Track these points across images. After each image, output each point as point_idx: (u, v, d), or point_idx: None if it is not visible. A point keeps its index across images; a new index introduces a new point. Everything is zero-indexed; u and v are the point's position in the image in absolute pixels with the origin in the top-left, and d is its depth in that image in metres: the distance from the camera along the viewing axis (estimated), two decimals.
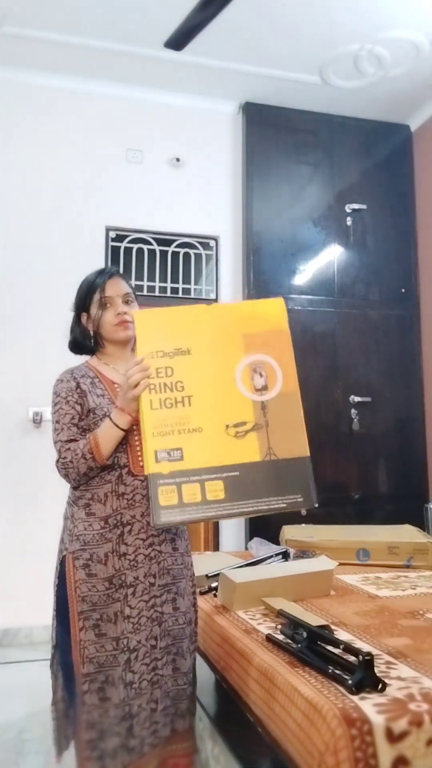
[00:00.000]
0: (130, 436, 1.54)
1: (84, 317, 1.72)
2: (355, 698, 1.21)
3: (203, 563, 2.23)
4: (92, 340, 1.72)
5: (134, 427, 1.51)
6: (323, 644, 1.43)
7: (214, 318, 1.46)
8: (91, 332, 1.71)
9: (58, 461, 1.55)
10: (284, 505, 1.35)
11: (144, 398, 1.38)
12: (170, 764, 1.52)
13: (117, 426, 1.48)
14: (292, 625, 1.54)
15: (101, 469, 1.54)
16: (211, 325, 1.44)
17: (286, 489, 1.35)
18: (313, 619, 1.66)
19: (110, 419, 1.49)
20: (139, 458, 1.53)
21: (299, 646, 1.45)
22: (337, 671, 1.31)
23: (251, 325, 1.45)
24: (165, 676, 1.50)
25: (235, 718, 1.57)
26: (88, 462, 1.50)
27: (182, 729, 1.54)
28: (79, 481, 1.57)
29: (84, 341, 1.74)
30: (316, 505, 1.39)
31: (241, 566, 2.18)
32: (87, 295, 1.69)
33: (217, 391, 1.38)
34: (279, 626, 1.63)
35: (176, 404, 1.36)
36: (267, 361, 1.42)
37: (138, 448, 1.53)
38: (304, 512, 3.65)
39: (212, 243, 4.02)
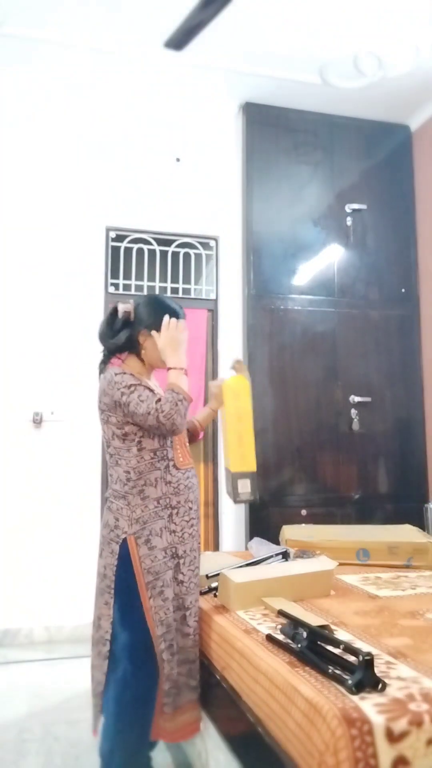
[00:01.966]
0: (173, 437, 1.87)
1: (145, 333, 1.90)
2: (355, 698, 1.21)
3: (203, 563, 2.23)
4: (132, 350, 1.95)
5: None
6: (323, 644, 1.43)
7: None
8: (141, 346, 1.92)
9: (159, 419, 1.72)
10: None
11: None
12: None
13: (182, 368, 1.81)
14: (292, 625, 1.54)
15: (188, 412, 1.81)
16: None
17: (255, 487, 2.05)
18: (313, 619, 1.66)
19: (173, 370, 1.80)
20: (179, 455, 1.90)
21: (299, 646, 1.45)
22: (337, 671, 1.31)
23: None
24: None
25: (235, 718, 1.57)
26: (184, 403, 1.75)
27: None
28: (183, 427, 1.79)
29: (126, 347, 1.94)
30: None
31: (241, 566, 2.18)
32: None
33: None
34: (279, 626, 1.63)
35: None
36: None
37: (178, 448, 1.90)
38: (304, 512, 3.67)
39: (212, 243, 4.02)
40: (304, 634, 1.46)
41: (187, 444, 1.99)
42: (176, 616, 1.80)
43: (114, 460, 1.88)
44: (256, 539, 2.75)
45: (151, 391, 1.82)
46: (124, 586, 1.77)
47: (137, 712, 1.74)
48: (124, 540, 1.78)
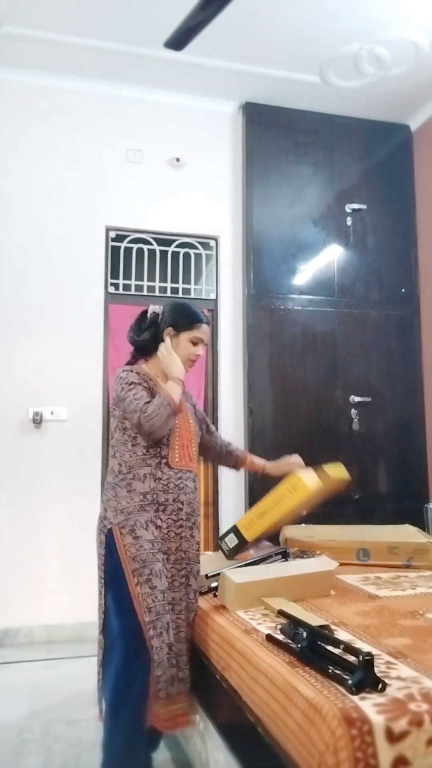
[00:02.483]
0: (172, 438, 1.93)
1: (170, 332, 2.03)
2: (355, 698, 1.21)
3: (203, 563, 2.23)
4: (157, 349, 2.04)
5: (176, 431, 1.95)
6: (323, 644, 1.43)
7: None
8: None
9: (140, 418, 1.84)
10: None
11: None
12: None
13: (179, 380, 1.92)
14: (292, 625, 1.54)
15: (173, 418, 1.90)
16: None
17: None
18: (313, 619, 1.66)
19: (173, 380, 1.93)
20: (176, 455, 1.94)
21: (299, 646, 1.45)
22: (337, 671, 1.31)
23: None
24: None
25: (235, 718, 1.57)
26: (167, 409, 1.84)
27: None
28: (162, 431, 1.87)
29: (150, 346, 2.05)
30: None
31: (240, 566, 2.17)
32: (188, 323, 2.03)
33: None
34: (279, 626, 1.62)
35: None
36: None
37: (176, 448, 1.95)
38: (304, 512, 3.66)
39: (212, 243, 4.02)
40: (304, 634, 1.46)
41: (193, 447, 2.03)
42: (167, 608, 1.82)
43: (113, 451, 1.97)
44: None
45: (149, 391, 1.92)
46: (113, 576, 1.83)
47: (131, 697, 1.76)
48: (110, 530, 1.85)
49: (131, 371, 1.96)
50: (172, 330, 2.03)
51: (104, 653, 1.88)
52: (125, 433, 1.92)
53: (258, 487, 3.70)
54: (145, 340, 2.06)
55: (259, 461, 2.37)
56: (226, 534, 2.26)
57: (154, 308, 2.09)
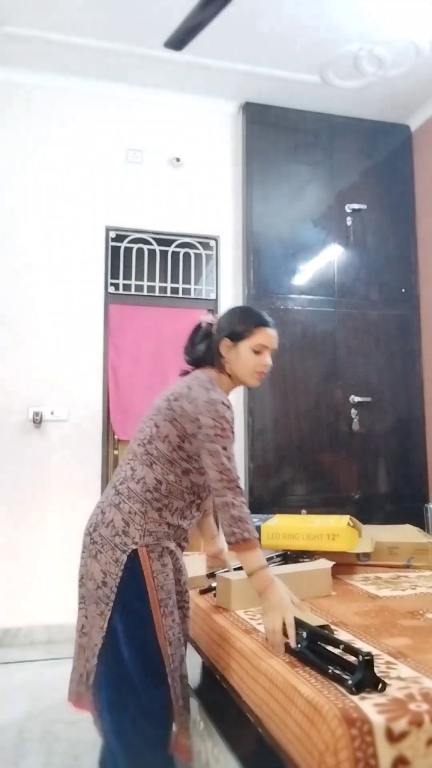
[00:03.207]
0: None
1: (227, 343, 1.75)
2: (355, 698, 1.21)
3: (203, 564, 2.23)
4: (215, 363, 1.78)
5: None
6: (323, 644, 1.43)
7: None
8: (223, 359, 1.76)
9: (235, 482, 1.62)
10: None
11: None
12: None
13: (253, 579, 1.62)
14: None
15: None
16: None
17: None
18: (313, 619, 1.66)
19: (264, 573, 1.61)
20: (207, 501, 1.85)
21: (299, 646, 1.45)
22: (337, 671, 1.31)
23: None
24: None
25: (235, 718, 1.57)
26: (236, 526, 1.60)
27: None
28: (206, 493, 1.76)
29: (208, 359, 1.80)
30: None
31: (238, 568, 2.17)
32: (246, 330, 1.74)
33: None
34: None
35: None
36: None
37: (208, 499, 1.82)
38: (304, 512, 3.66)
39: (212, 243, 4.02)
40: (304, 634, 1.46)
41: None
42: (181, 638, 1.70)
43: (149, 459, 1.69)
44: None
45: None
46: (131, 601, 1.61)
47: (159, 723, 1.63)
48: (135, 551, 1.62)
49: (229, 408, 1.68)
50: (229, 341, 1.74)
51: (115, 679, 1.62)
52: (180, 451, 1.67)
53: (259, 487, 3.71)
54: (200, 353, 1.80)
55: (214, 540, 2.14)
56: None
57: (206, 318, 1.83)
